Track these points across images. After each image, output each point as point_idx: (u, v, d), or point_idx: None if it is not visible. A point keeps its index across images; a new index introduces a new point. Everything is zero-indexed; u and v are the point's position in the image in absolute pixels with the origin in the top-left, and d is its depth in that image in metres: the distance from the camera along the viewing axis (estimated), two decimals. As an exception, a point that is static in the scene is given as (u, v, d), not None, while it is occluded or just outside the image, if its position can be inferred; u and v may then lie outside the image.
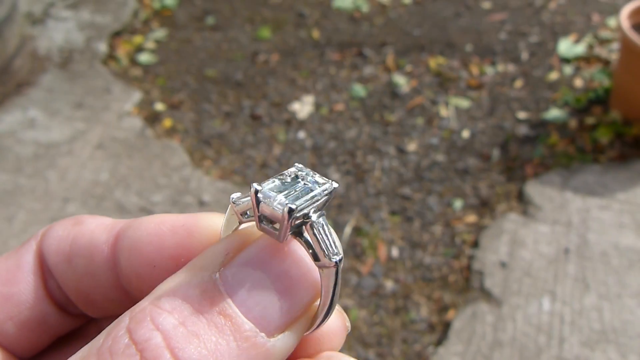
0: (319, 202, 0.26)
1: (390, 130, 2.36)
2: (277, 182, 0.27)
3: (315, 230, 0.26)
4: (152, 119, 2.41)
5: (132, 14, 3.03)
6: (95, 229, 0.32)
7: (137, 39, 2.87)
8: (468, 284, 1.80)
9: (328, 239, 0.26)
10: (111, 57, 2.77)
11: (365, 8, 3.02)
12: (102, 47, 2.80)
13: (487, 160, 2.20)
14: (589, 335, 1.60)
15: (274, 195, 0.25)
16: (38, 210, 2.02)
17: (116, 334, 0.25)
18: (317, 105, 2.48)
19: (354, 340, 1.72)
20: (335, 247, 0.26)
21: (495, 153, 2.23)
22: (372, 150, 2.28)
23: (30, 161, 2.21)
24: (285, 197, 0.25)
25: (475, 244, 1.92)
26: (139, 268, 0.30)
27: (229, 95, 2.55)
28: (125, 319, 0.25)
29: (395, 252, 1.95)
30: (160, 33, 2.93)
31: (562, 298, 1.70)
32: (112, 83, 2.58)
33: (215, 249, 0.27)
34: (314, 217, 0.26)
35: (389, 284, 1.87)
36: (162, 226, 0.30)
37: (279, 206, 0.25)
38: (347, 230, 2.01)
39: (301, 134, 2.35)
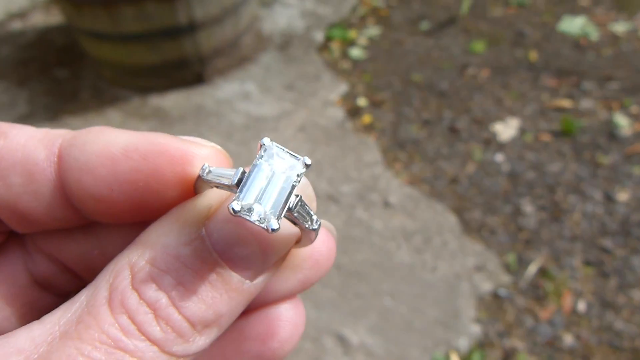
0: (295, 187, 0.27)
1: (601, 173, 2.14)
2: (253, 186, 0.26)
3: (295, 213, 0.27)
4: (353, 112, 2.48)
5: (351, 8, 3.14)
6: (27, 143, 0.30)
7: (352, 34, 2.97)
8: (667, 366, 1.57)
9: (306, 217, 0.28)
10: (325, 47, 2.90)
11: (594, 36, 2.77)
12: (319, 36, 2.94)
13: None
14: None
15: (254, 212, 0.26)
16: (239, 176, 2.20)
17: (123, 290, 0.27)
18: (522, 131, 2.34)
19: (519, 387, 1.60)
20: (311, 218, 0.28)
21: None
22: (575, 191, 2.09)
23: (240, 130, 2.41)
24: (265, 210, 0.26)
25: (683, 324, 1.66)
26: (93, 190, 0.29)
27: (431, 103, 2.52)
28: (125, 274, 0.27)
29: (582, 306, 1.78)
30: (374, 31, 2.99)
31: None
32: (323, 72, 2.70)
33: (199, 203, 0.29)
34: (292, 202, 0.27)
35: (568, 339, 1.71)
36: (111, 148, 0.29)
37: (261, 225, 0.26)
38: (532, 268, 1.87)
39: (499, 157, 2.24)
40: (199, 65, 2.61)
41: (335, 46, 2.89)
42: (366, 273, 1.86)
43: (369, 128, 2.40)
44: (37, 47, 3.13)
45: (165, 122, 2.49)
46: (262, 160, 0.27)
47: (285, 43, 2.91)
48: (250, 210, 0.26)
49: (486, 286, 1.82)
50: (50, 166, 0.30)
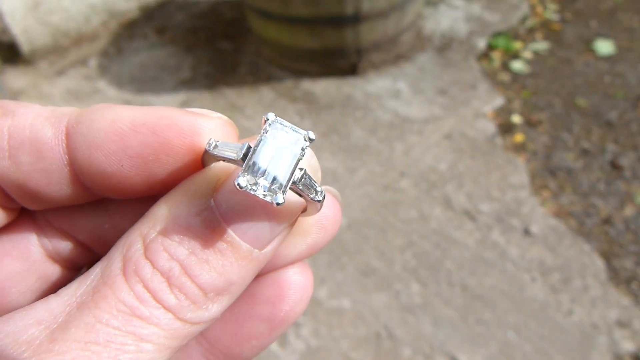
0: (300, 161, 0.28)
1: None
2: (258, 160, 0.27)
3: (300, 186, 0.28)
4: (505, 128, 2.35)
5: (520, 18, 2.97)
6: (34, 121, 0.30)
7: (516, 45, 2.81)
8: None
9: (310, 189, 0.28)
10: (486, 55, 2.78)
11: None
12: (481, 43, 2.82)
13: None
14: None
15: (259, 186, 0.26)
16: (376, 173, 2.19)
17: (136, 260, 0.27)
18: (699, 181, 2.07)
19: None
20: (315, 190, 0.29)
21: None
22: None
23: (384, 127, 2.39)
24: (270, 184, 0.27)
25: None
26: (104, 166, 0.29)
27: (593, 132, 2.31)
28: (137, 246, 0.28)
29: None
30: (541, 45, 2.81)
31: None
32: (479, 81, 2.59)
33: (207, 175, 0.29)
34: (297, 175, 0.28)
35: None
36: (119, 124, 0.29)
37: (267, 199, 0.26)
38: (685, 338, 1.66)
39: (665, 205, 2.00)
40: (356, 57, 2.62)
41: (496, 56, 2.76)
42: (493, 300, 1.76)
43: (520, 148, 2.26)
44: (207, 18, 3.34)
45: (312, 107, 2.54)
46: (267, 135, 0.27)
47: (445, 45, 2.83)
48: (256, 184, 0.26)
49: (627, 345, 1.64)
50: (58, 144, 0.30)
